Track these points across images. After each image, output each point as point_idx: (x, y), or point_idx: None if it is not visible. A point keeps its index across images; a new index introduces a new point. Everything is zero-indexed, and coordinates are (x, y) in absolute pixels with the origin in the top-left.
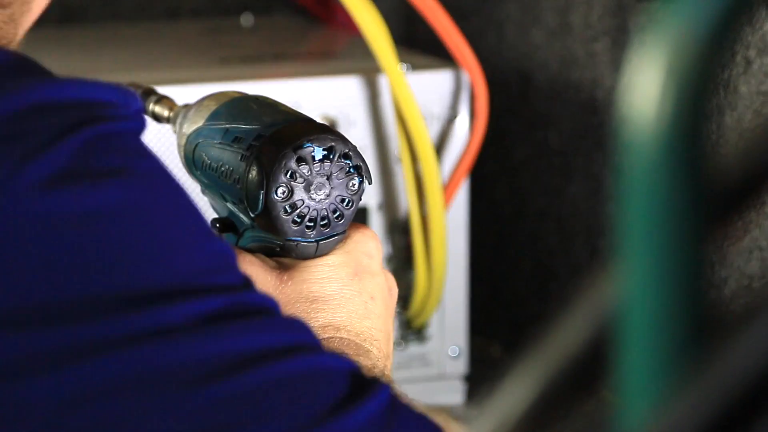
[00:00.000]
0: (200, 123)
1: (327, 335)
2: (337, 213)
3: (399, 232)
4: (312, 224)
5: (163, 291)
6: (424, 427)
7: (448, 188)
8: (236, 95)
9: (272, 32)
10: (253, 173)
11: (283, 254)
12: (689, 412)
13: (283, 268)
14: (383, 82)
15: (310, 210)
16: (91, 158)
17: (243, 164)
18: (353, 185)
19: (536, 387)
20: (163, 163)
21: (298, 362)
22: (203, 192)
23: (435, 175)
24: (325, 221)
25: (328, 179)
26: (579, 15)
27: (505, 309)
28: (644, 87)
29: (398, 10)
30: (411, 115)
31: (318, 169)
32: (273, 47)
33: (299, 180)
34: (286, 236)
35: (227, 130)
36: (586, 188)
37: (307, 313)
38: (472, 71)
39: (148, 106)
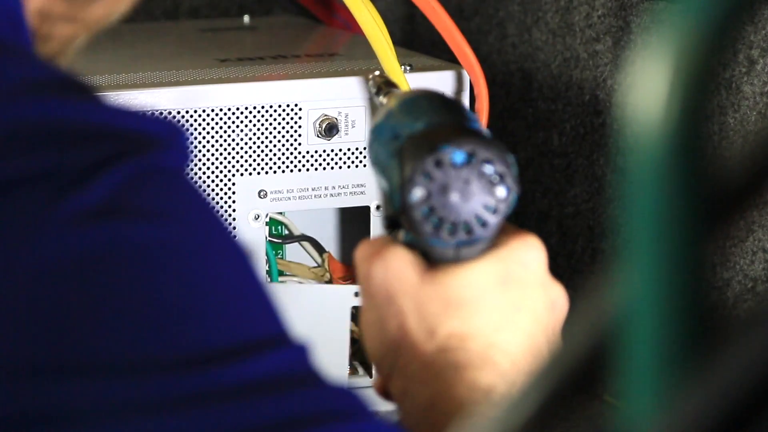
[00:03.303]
0: (377, 120)
1: (451, 345)
2: (482, 221)
3: None
4: (452, 228)
5: (206, 353)
6: None
7: None
8: (419, 93)
9: (272, 33)
10: (395, 172)
11: (428, 256)
12: (692, 414)
13: (429, 268)
14: None
15: (448, 214)
16: (133, 195)
17: (391, 162)
18: (499, 192)
19: (538, 390)
20: (207, 203)
21: (337, 428)
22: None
23: None
24: (467, 227)
25: (466, 184)
26: (581, 15)
27: None
28: (646, 87)
29: (399, 10)
30: None
31: (456, 173)
32: (273, 48)
33: (436, 183)
34: (424, 238)
35: (393, 127)
36: (587, 189)
37: (438, 317)
38: (473, 71)
39: (380, 97)
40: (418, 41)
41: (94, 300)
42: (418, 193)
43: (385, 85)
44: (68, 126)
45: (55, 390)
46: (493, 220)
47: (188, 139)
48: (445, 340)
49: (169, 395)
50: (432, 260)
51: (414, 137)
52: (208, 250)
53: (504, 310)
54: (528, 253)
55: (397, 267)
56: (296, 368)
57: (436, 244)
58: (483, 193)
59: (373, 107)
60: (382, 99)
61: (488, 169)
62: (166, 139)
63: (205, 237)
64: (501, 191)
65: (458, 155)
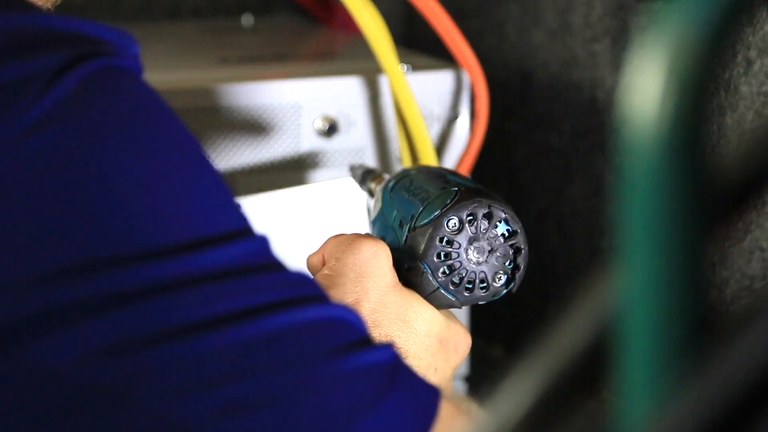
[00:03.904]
0: (420, 167)
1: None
2: (471, 285)
3: None
4: (447, 271)
5: (172, 245)
6: (426, 389)
7: None
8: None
9: (273, 32)
10: (446, 197)
11: (408, 275)
12: (690, 412)
13: (400, 280)
14: (384, 83)
15: (456, 258)
16: (88, 96)
17: (440, 191)
18: (499, 278)
19: (537, 388)
20: (163, 102)
21: (305, 312)
22: (373, 221)
23: None
24: (458, 280)
25: (489, 252)
26: (579, 15)
27: (506, 310)
28: (645, 87)
29: (399, 11)
30: (411, 116)
31: (491, 236)
32: (273, 47)
33: (472, 229)
34: (424, 259)
35: (444, 176)
36: (586, 188)
37: (389, 320)
38: (472, 71)
39: (365, 183)
40: (418, 41)
41: (54, 202)
42: (453, 221)
43: (369, 173)
44: (34, 33)
45: (32, 298)
46: (477, 293)
47: (138, 50)
48: (386, 340)
49: (134, 287)
50: (405, 275)
51: (470, 189)
52: (164, 148)
53: (430, 362)
54: (466, 345)
55: (385, 261)
56: (261, 257)
57: (426, 270)
58: (490, 269)
59: (361, 181)
60: (371, 184)
61: (512, 255)
62: (123, 46)
63: (161, 135)
64: (502, 280)
65: (505, 225)
